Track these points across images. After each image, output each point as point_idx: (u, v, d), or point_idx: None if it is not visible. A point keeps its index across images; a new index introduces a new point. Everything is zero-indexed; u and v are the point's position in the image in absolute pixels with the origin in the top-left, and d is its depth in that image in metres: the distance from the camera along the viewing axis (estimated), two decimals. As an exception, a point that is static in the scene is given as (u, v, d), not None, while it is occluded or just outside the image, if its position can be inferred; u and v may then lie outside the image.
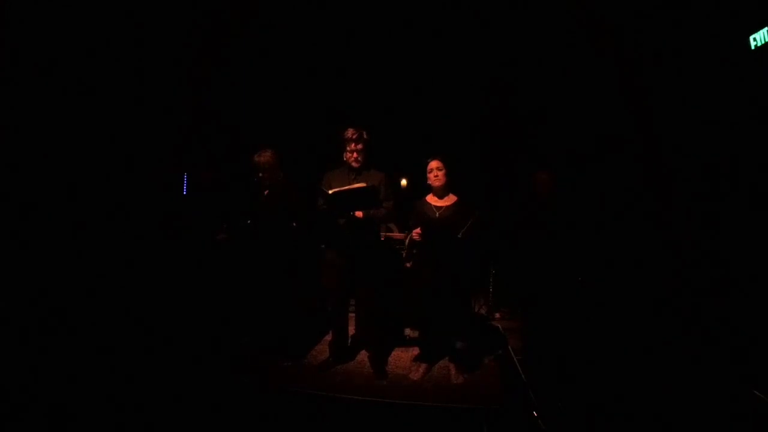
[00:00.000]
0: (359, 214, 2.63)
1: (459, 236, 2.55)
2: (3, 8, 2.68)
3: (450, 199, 2.73)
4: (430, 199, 2.76)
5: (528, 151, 4.70)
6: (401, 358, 2.94)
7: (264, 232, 2.86)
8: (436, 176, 2.67)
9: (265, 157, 2.81)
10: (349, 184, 2.56)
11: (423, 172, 2.76)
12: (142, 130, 3.60)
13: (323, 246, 2.87)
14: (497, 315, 3.87)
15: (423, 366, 2.69)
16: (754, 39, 2.43)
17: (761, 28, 2.39)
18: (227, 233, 3.21)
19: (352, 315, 2.93)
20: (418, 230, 2.64)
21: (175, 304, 3.40)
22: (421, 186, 2.85)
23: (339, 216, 2.67)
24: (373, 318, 2.78)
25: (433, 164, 2.69)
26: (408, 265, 2.81)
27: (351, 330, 2.96)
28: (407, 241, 2.71)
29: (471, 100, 4.94)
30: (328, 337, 2.96)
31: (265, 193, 2.87)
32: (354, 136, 2.66)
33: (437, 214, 2.67)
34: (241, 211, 2.96)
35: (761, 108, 2.45)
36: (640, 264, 3.27)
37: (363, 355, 2.90)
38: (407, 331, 3.36)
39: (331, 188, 2.51)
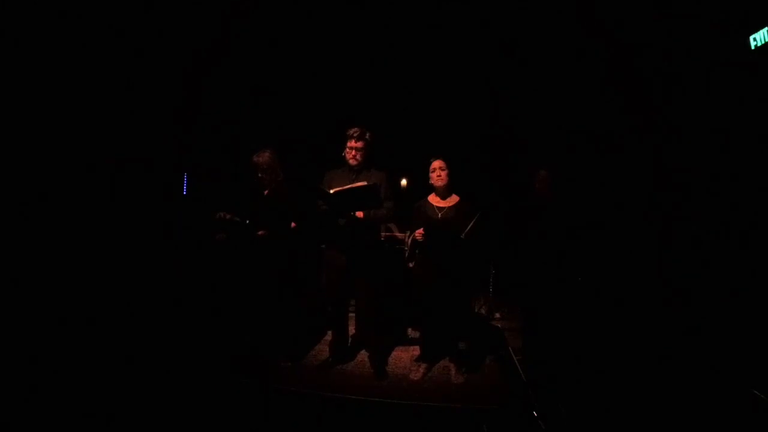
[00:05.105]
0: (359, 214, 2.63)
1: (462, 237, 2.55)
2: (3, 8, 2.68)
3: (452, 200, 2.71)
4: (432, 199, 2.74)
5: (527, 149, 4.70)
6: (401, 358, 2.94)
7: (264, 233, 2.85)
8: (439, 176, 2.66)
9: (264, 157, 2.80)
10: (350, 184, 2.55)
11: (424, 172, 2.75)
12: (142, 130, 3.60)
13: (323, 246, 2.87)
14: (497, 315, 3.87)
15: (423, 366, 2.69)
16: (754, 39, 2.43)
17: (761, 28, 2.39)
18: (226, 233, 3.21)
19: (352, 315, 2.92)
20: (420, 231, 2.62)
21: (175, 304, 3.39)
22: (421, 186, 2.84)
23: (339, 216, 2.66)
24: (373, 318, 2.77)
25: (436, 164, 2.67)
26: (410, 265, 2.80)
27: (351, 330, 2.96)
28: (409, 241, 2.70)
29: (471, 100, 4.93)
30: (328, 337, 2.95)
31: (265, 193, 2.87)
32: (356, 134, 2.66)
33: (440, 215, 2.66)
34: (241, 212, 2.96)
35: (761, 108, 2.45)
36: (640, 263, 3.27)
37: (363, 355, 2.90)
38: (408, 331, 3.36)
39: (331, 188, 2.51)
